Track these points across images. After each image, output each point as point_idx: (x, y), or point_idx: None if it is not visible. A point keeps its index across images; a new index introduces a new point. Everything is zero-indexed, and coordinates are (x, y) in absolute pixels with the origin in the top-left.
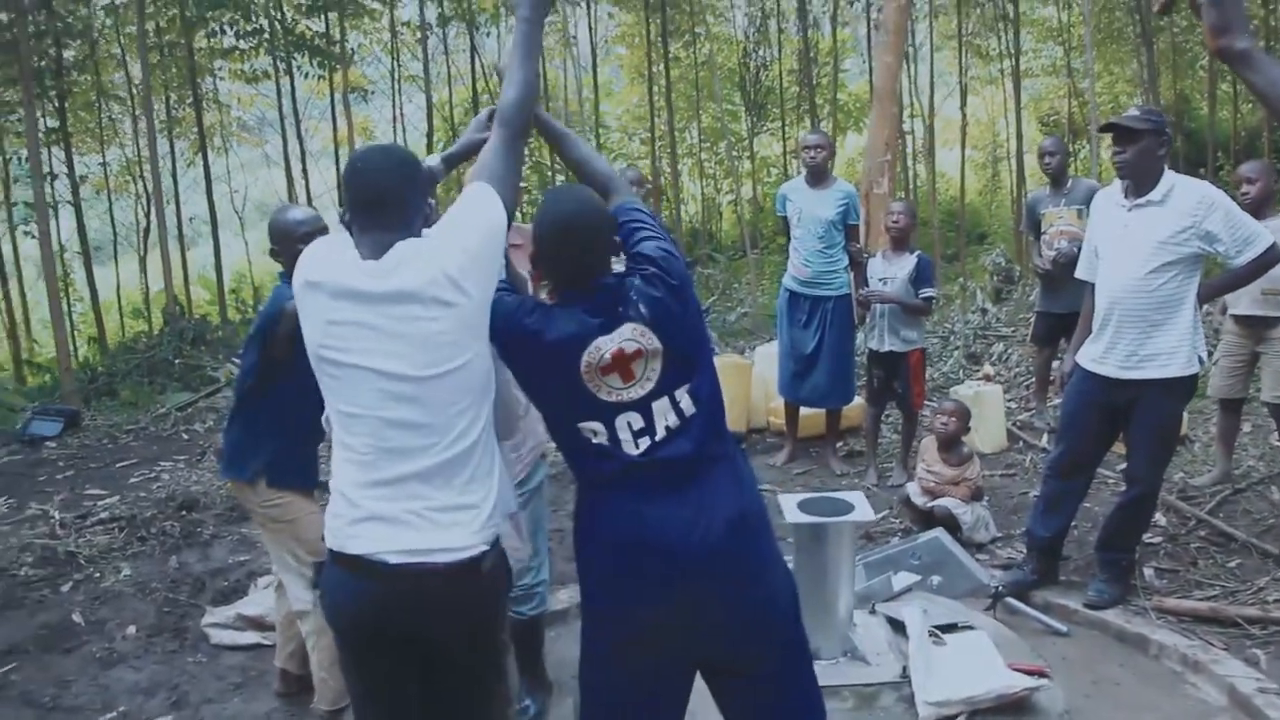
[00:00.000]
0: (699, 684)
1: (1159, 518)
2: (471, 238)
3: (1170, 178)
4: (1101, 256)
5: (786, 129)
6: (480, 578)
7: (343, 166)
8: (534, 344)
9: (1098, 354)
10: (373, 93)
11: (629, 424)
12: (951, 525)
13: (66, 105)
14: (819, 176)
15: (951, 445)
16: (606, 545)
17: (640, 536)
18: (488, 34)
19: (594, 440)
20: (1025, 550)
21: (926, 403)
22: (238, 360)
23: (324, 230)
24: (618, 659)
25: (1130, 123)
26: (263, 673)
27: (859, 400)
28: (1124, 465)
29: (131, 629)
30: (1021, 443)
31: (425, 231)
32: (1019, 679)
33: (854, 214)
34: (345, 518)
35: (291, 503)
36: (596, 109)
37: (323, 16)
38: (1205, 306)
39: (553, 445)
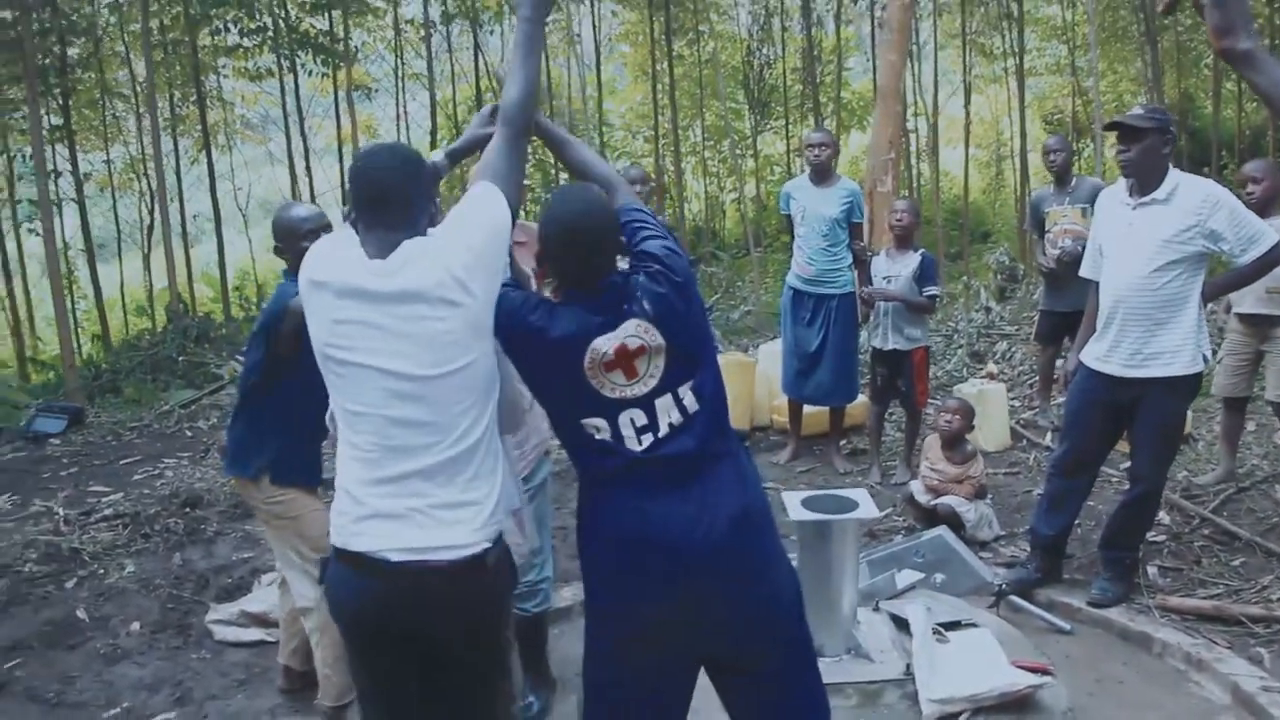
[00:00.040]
0: (703, 681)
1: (1163, 516)
2: (476, 236)
3: (1175, 176)
4: (1106, 255)
5: (790, 127)
6: (483, 575)
7: (346, 164)
8: (538, 340)
9: (1102, 352)
10: (376, 90)
11: (632, 420)
12: (955, 523)
13: (70, 103)
14: (823, 175)
15: (955, 443)
16: (610, 542)
17: (644, 533)
18: (491, 31)
19: (597, 436)
20: (1029, 548)
21: (930, 401)
22: (241, 357)
23: (328, 227)
24: (621, 656)
25: (1134, 121)
26: (266, 669)
27: (862, 398)
28: (1128, 464)
29: (135, 625)
30: (1025, 441)
31: (430, 230)
32: (1022, 677)
33: (858, 212)
34: (350, 515)
35: (295, 499)
36: (600, 107)
37: (326, 14)
38: (1209, 305)
39: (556, 442)
